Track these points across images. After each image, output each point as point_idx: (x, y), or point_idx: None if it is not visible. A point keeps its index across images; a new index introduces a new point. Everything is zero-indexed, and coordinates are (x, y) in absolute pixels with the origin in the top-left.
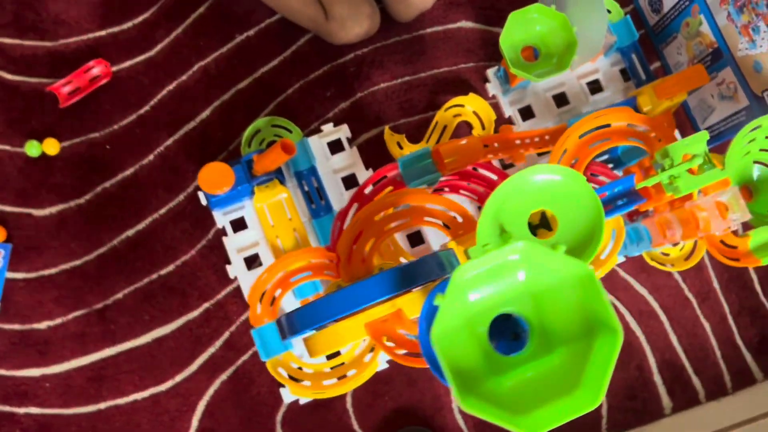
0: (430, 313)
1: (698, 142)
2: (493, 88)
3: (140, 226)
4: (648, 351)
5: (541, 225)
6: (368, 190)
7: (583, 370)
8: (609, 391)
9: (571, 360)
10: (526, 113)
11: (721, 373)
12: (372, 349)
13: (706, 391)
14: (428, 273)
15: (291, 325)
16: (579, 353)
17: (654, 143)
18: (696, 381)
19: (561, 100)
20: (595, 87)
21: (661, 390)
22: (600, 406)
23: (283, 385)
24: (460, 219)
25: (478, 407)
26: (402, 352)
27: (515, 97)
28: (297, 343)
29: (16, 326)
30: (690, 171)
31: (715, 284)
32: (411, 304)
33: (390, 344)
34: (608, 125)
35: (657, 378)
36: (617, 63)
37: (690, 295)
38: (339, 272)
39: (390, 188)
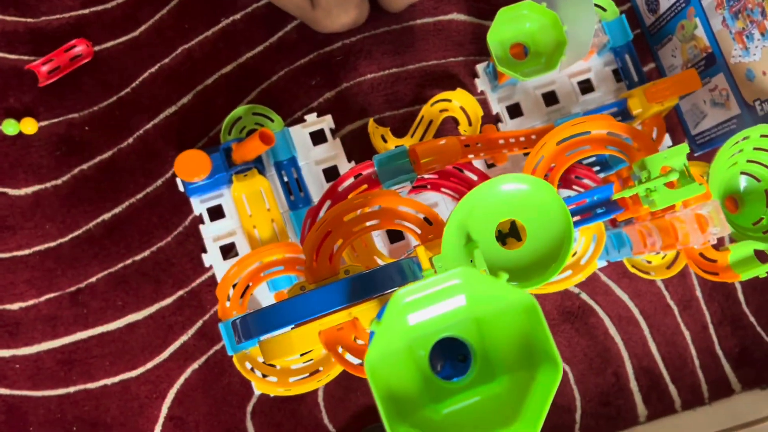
0: None
1: (677, 156)
2: (481, 83)
3: (116, 210)
4: (626, 357)
5: (511, 234)
6: (342, 187)
7: (522, 401)
8: (584, 396)
9: (513, 390)
10: (515, 111)
11: (698, 382)
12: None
13: (683, 400)
14: (388, 282)
15: (245, 329)
16: (520, 383)
17: (634, 153)
18: (673, 389)
19: (551, 98)
20: (586, 87)
21: (637, 397)
22: (573, 411)
23: None
24: (430, 223)
25: None
26: (357, 362)
27: (504, 94)
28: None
29: None
30: (669, 184)
31: (698, 293)
32: (368, 313)
33: (347, 353)
34: (588, 132)
35: (633, 385)
36: (610, 63)
37: (672, 303)
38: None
39: (365, 186)
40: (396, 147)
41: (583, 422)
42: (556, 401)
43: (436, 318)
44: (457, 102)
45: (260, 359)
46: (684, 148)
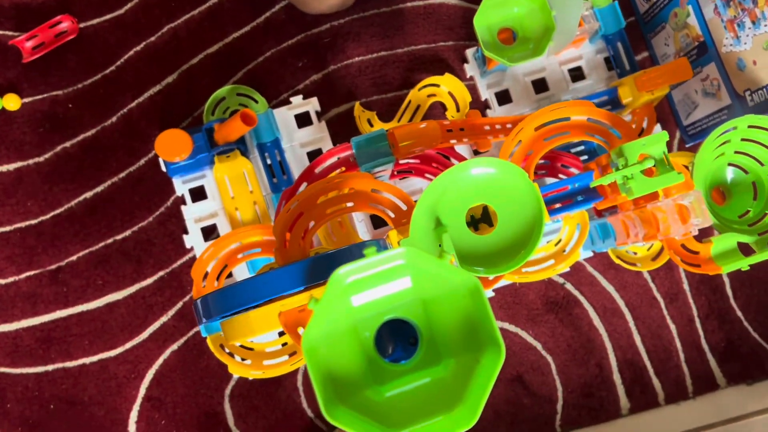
0: None
1: (656, 143)
2: (471, 69)
3: (99, 188)
4: (610, 349)
5: (483, 219)
6: (319, 169)
7: (466, 385)
8: (566, 387)
9: (457, 373)
10: (503, 98)
11: (683, 376)
12: None
13: (666, 393)
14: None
15: (205, 308)
16: (465, 367)
17: (615, 140)
18: (656, 383)
19: (541, 86)
20: (577, 74)
21: (620, 390)
22: (555, 402)
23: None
24: (404, 207)
25: (345, 418)
26: None
27: (493, 80)
28: None
29: None
30: (648, 172)
31: (685, 285)
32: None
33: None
34: (568, 119)
35: (617, 377)
36: (602, 50)
37: (658, 295)
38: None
39: (342, 169)
40: (375, 130)
41: (564, 413)
42: (538, 391)
43: (382, 299)
44: (445, 87)
45: (234, 343)
46: (663, 135)
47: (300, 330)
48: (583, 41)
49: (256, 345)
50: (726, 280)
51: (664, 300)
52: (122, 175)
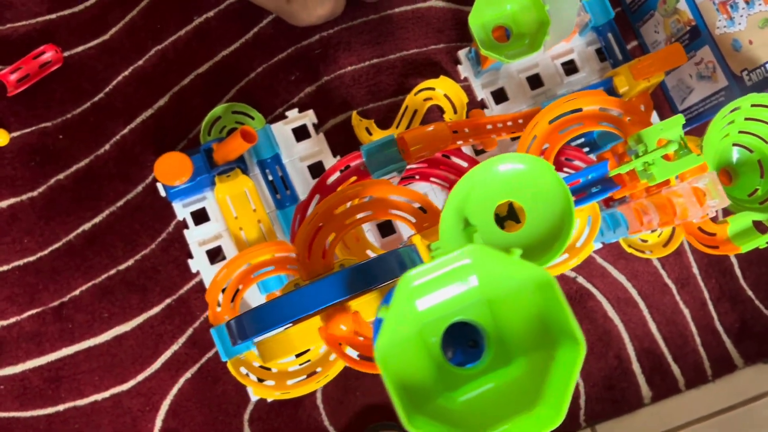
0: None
1: (673, 127)
2: (464, 70)
3: (96, 219)
4: (627, 339)
5: (508, 217)
6: (330, 180)
7: (543, 383)
8: (587, 381)
9: (531, 372)
10: (499, 96)
11: (701, 360)
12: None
13: (686, 379)
14: (388, 272)
15: (240, 330)
16: (539, 365)
17: (628, 128)
18: (676, 369)
19: (535, 82)
20: (570, 68)
21: (641, 379)
22: (577, 397)
23: None
24: (425, 211)
25: (426, 427)
26: (359, 357)
27: (488, 80)
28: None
29: None
30: (666, 157)
31: (695, 270)
32: (368, 306)
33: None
34: (580, 110)
35: (636, 367)
36: (593, 42)
37: (669, 282)
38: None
39: (354, 178)
40: (384, 136)
41: (587, 407)
42: None
43: (447, 302)
44: (440, 90)
45: (256, 364)
46: (680, 119)
47: (341, 345)
48: (573, 35)
49: (277, 365)
50: (734, 261)
51: (676, 285)
52: (120, 203)
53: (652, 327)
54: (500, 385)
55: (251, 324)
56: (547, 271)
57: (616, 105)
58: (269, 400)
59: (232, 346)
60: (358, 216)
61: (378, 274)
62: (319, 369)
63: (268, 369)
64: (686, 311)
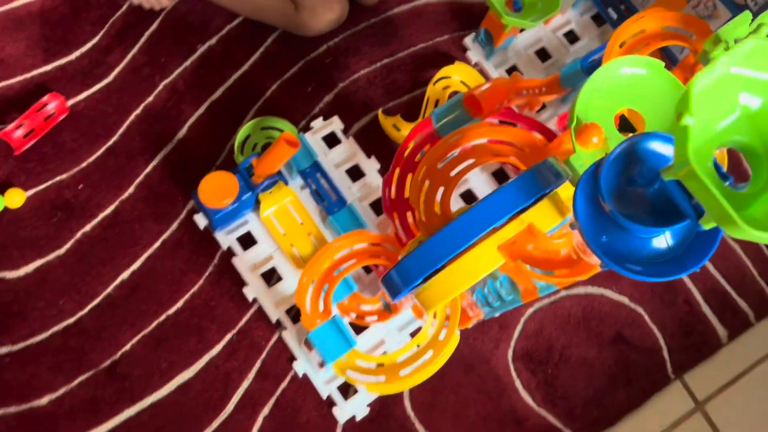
0: (587, 185)
1: (742, 24)
2: (474, 55)
3: (135, 266)
4: (690, 285)
5: (623, 128)
6: (407, 152)
7: None
8: (664, 332)
9: None
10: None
11: (761, 290)
12: (446, 325)
13: (754, 311)
14: (548, 180)
15: (403, 273)
16: None
17: (693, 42)
18: (743, 304)
19: (543, 55)
20: (573, 38)
21: (713, 320)
22: (660, 350)
23: (334, 404)
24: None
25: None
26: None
27: (498, 60)
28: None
29: (12, 409)
30: None
31: None
32: (541, 215)
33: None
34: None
35: (705, 309)
36: (587, 11)
37: None
38: (417, 229)
39: (428, 146)
40: (450, 98)
41: (672, 358)
42: (641, 344)
43: (712, 121)
44: (457, 76)
45: (361, 362)
46: (747, 15)
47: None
48: (567, 7)
49: (377, 358)
50: None
51: None
52: (157, 244)
53: (710, 267)
54: None
55: (419, 261)
56: None
57: (677, 20)
58: (358, 418)
59: (393, 297)
60: (463, 165)
61: (541, 182)
62: (430, 352)
63: (379, 365)
64: (736, 246)
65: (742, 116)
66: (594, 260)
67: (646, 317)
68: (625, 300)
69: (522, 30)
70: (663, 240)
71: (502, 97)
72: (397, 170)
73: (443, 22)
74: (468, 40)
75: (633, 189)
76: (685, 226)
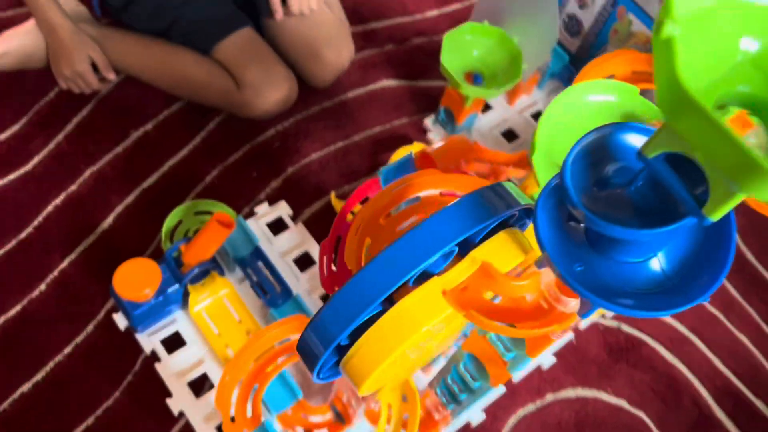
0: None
1: None
2: (435, 136)
3: (38, 376)
4: (696, 382)
5: None
6: (350, 217)
7: None
8: None
9: None
10: None
11: None
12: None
13: None
14: (497, 207)
15: (321, 330)
16: None
17: None
18: (760, 405)
19: (510, 135)
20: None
21: (728, 424)
22: None
23: None
24: None
25: None
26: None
27: None
28: None
29: None
30: None
31: (734, 292)
32: (498, 252)
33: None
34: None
35: (717, 411)
36: (554, 91)
37: (714, 310)
38: None
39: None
40: (400, 157)
41: None
42: None
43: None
44: None
45: None
46: None
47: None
48: (533, 86)
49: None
50: (764, 273)
51: (722, 313)
52: (67, 350)
53: (718, 363)
54: None
55: (339, 310)
56: None
57: (650, 63)
58: None
59: (312, 368)
60: (411, 220)
61: (493, 206)
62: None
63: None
64: (743, 338)
65: (744, 61)
66: (570, 307)
67: (650, 423)
68: (623, 404)
69: (485, 110)
70: (656, 263)
71: (459, 156)
72: (338, 237)
73: (401, 105)
74: (428, 121)
75: (608, 192)
76: (680, 244)
